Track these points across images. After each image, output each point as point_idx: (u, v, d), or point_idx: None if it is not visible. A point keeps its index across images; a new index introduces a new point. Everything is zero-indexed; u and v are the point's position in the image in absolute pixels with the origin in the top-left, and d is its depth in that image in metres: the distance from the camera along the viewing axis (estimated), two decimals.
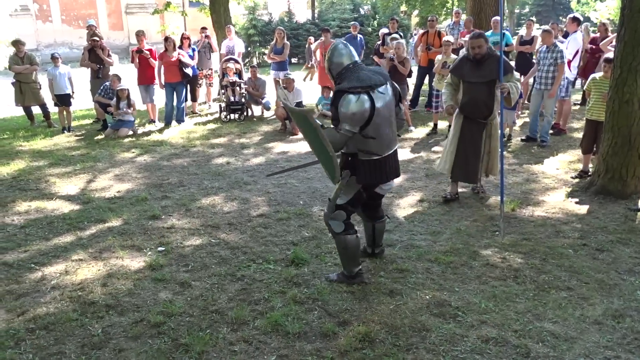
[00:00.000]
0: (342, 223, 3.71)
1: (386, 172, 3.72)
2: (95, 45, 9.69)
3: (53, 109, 10.00)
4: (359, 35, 11.79)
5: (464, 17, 12.54)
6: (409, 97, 10.06)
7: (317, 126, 3.29)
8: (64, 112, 9.55)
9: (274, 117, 9.83)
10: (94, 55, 9.74)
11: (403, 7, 29.90)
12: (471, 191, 5.84)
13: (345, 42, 3.80)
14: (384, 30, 11.77)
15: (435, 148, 7.79)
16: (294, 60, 22.95)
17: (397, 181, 6.17)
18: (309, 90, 12.47)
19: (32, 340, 3.24)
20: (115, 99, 8.94)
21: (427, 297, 3.60)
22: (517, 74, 8.32)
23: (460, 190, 5.77)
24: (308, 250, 4.38)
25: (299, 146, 8.01)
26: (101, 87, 9.30)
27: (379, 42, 11.68)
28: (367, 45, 23.02)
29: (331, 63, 3.66)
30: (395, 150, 3.80)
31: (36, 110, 10.18)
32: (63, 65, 9.71)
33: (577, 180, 6.09)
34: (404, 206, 5.45)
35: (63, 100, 9.48)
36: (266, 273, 4.03)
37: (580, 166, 6.51)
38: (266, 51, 24.12)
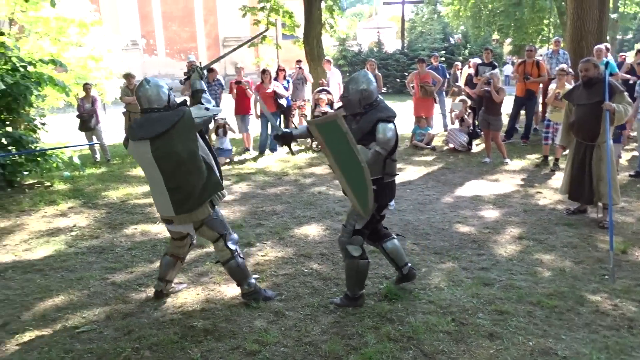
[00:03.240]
0: (359, 247, 3.86)
1: (394, 190, 4.02)
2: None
3: None
4: (440, 65, 11.67)
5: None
6: (503, 129, 9.74)
7: (347, 130, 3.45)
8: None
9: None
10: None
11: (495, 36, 29.27)
12: (597, 225, 5.58)
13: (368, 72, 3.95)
14: (477, 60, 11.53)
15: (535, 182, 7.43)
16: (383, 90, 23.06)
17: (493, 216, 6.00)
18: (402, 120, 12.40)
19: (137, 359, 3.41)
20: (214, 127, 9.44)
21: (531, 343, 3.39)
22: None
23: (564, 231, 5.47)
24: (401, 286, 4.29)
25: None
26: None
27: (471, 72, 11.46)
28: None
29: (365, 92, 3.76)
30: None
31: None
32: None
33: None
34: (502, 242, 5.21)
35: None
36: (359, 307, 3.99)
37: None
38: None
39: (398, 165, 8.43)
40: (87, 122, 10.12)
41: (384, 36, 29.56)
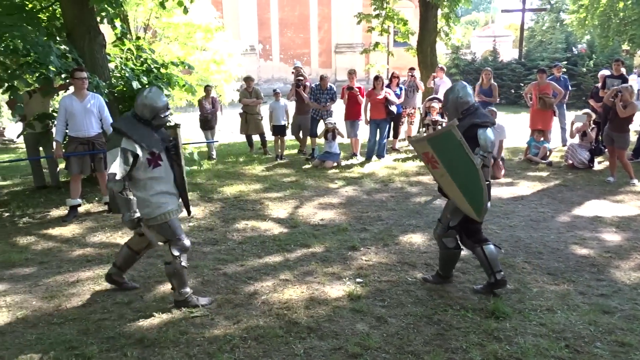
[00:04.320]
0: (454, 239, 4.33)
1: (489, 196, 4.19)
2: (299, 84, 10.57)
3: (269, 138, 11.15)
4: (562, 76, 10.95)
5: None
6: (631, 146, 8.99)
7: (462, 138, 3.79)
8: (279, 141, 10.57)
9: None
10: (299, 93, 10.66)
11: (625, 46, 27.04)
12: None
13: (463, 82, 4.37)
14: (605, 72, 10.72)
15: None
16: (497, 100, 22.15)
17: (615, 240, 5.56)
18: (516, 132, 11.90)
19: (245, 348, 3.57)
20: (323, 131, 9.67)
21: None
22: None
23: None
24: (510, 304, 4.11)
25: (500, 190, 7.65)
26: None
27: (597, 85, 10.70)
28: (579, 87, 21.28)
29: (460, 99, 4.19)
30: None
31: (255, 138, 11.46)
32: (282, 99, 10.79)
33: None
34: (625, 269, 4.81)
35: (279, 130, 10.52)
36: (464, 321, 3.88)
37: None
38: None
39: (509, 179, 8.15)
40: (210, 121, 10.88)
41: (499, 45, 28.40)
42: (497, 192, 7.59)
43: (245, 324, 3.89)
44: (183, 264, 4.11)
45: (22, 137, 8.13)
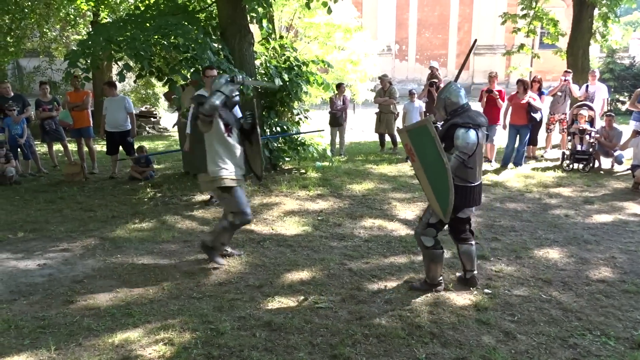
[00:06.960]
0: (432, 238, 4.33)
1: (474, 199, 4.29)
2: (432, 85, 10.32)
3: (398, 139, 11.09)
4: None
5: None
6: None
7: (435, 135, 3.84)
8: None
9: (627, 172, 8.71)
10: (432, 93, 10.42)
11: None
12: None
13: (457, 83, 4.34)
14: None
15: None
16: None
17: None
18: None
19: (366, 345, 3.61)
20: None
21: None
22: None
23: None
24: None
25: None
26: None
27: None
28: None
29: (447, 99, 4.22)
30: (481, 182, 4.36)
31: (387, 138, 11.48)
32: (417, 100, 10.65)
33: None
34: None
35: None
36: (604, 349, 3.55)
37: None
38: (622, 98, 21.74)
39: None
40: (339, 118, 11.16)
41: None
42: None
43: (367, 321, 3.92)
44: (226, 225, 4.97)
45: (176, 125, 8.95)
